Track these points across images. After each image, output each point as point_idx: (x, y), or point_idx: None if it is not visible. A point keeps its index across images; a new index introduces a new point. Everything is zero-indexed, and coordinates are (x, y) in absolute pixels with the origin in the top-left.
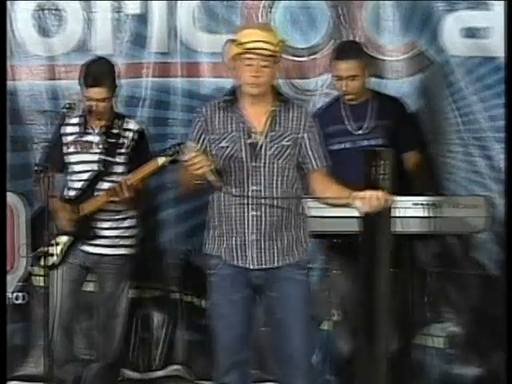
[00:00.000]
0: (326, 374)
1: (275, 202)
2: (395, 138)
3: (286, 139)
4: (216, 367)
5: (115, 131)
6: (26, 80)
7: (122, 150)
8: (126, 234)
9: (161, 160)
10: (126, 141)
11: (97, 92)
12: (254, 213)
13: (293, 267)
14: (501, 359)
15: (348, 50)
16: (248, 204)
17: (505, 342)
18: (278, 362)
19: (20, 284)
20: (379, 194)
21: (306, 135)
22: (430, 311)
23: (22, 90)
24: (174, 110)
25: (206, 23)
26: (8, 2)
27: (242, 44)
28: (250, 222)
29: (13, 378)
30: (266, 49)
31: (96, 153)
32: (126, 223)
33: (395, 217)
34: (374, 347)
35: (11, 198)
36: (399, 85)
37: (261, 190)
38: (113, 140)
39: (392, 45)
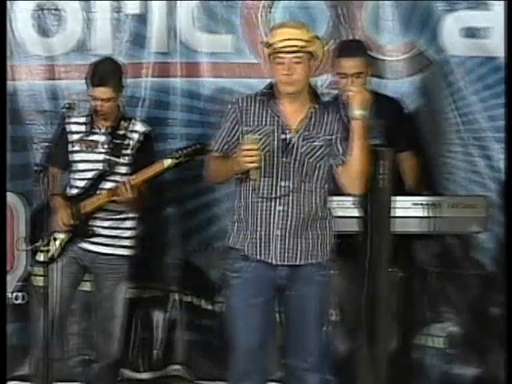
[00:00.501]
0: (326, 373)
1: (303, 199)
2: (392, 138)
3: (318, 140)
4: (231, 374)
5: (121, 132)
6: (26, 80)
7: (127, 151)
8: (126, 235)
9: (166, 162)
10: (131, 142)
11: (102, 91)
12: (281, 208)
13: (315, 267)
14: (500, 359)
15: (353, 47)
16: (276, 198)
17: (505, 342)
18: (292, 358)
19: (20, 284)
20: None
21: (339, 136)
22: (430, 311)
23: (21, 90)
24: (174, 110)
25: (205, 23)
26: (8, 2)
27: (271, 45)
28: (277, 217)
29: (13, 378)
30: (294, 45)
31: (101, 152)
32: (126, 224)
33: (395, 217)
34: (374, 347)
35: (11, 198)
36: (399, 85)
37: (290, 186)
38: (118, 141)
39: (392, 45)
